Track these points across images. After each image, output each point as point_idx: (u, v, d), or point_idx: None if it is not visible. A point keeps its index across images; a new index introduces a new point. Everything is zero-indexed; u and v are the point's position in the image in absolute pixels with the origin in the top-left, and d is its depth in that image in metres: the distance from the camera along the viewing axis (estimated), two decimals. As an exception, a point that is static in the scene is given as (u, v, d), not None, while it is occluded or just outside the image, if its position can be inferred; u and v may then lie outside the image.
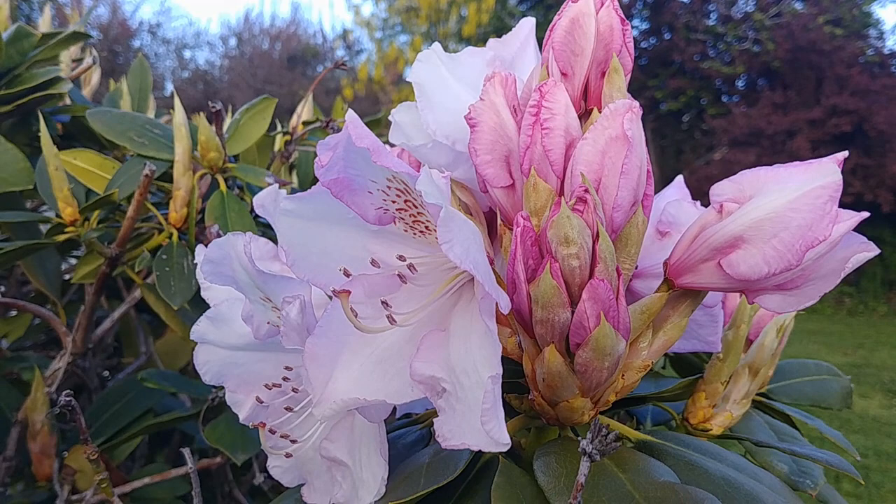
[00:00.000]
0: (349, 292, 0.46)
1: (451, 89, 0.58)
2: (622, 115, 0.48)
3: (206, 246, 1.06)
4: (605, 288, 0.44)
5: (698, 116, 14.65)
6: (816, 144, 12.03)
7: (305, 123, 1.25)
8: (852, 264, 0.49)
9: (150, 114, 1.52)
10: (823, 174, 0.47)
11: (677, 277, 0.52)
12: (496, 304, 0.42)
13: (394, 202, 0.47)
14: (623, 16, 0.52)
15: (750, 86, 14.74)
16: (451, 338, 0.46)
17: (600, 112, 0.49)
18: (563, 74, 0.52)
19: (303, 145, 1.27)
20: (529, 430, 0.59)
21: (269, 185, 0.96)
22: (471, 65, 0.60)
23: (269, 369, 0.59)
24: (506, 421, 0.45)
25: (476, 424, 0.42)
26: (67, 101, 1.41)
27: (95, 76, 1.78)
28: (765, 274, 0.48)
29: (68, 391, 0.78)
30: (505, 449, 0.41)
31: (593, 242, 0.45)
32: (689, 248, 0.51)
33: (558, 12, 0.53)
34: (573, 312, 0.45)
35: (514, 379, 0.54)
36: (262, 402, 0.59)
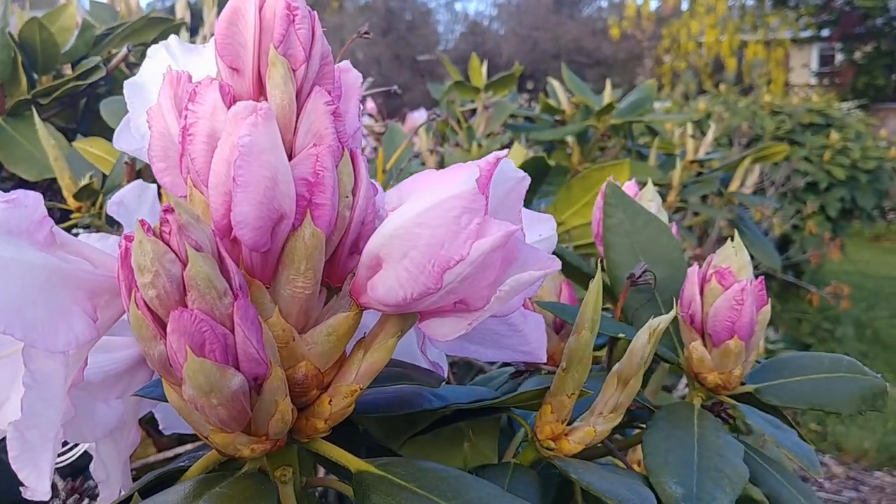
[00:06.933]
0: None
1: None
2: (243, 119, 0.42)
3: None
4: (194, 318, 0.39)
5: None
6: None
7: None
8: (510, 287, 0.39)
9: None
10: (458, 183, 0.38)
11: (358, 297, 0.45)
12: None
13: None
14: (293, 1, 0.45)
15: None
16: None
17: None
18: (235, 70, 0.46)
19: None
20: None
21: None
22: (212, 58, 0.55)
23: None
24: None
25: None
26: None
27: None
28: (402, 299, 0.40)
29: None
30: (45, 498, 0.39)
31: (182, 268, 0.40)
32: (362, 263, 0.44)
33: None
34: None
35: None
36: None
